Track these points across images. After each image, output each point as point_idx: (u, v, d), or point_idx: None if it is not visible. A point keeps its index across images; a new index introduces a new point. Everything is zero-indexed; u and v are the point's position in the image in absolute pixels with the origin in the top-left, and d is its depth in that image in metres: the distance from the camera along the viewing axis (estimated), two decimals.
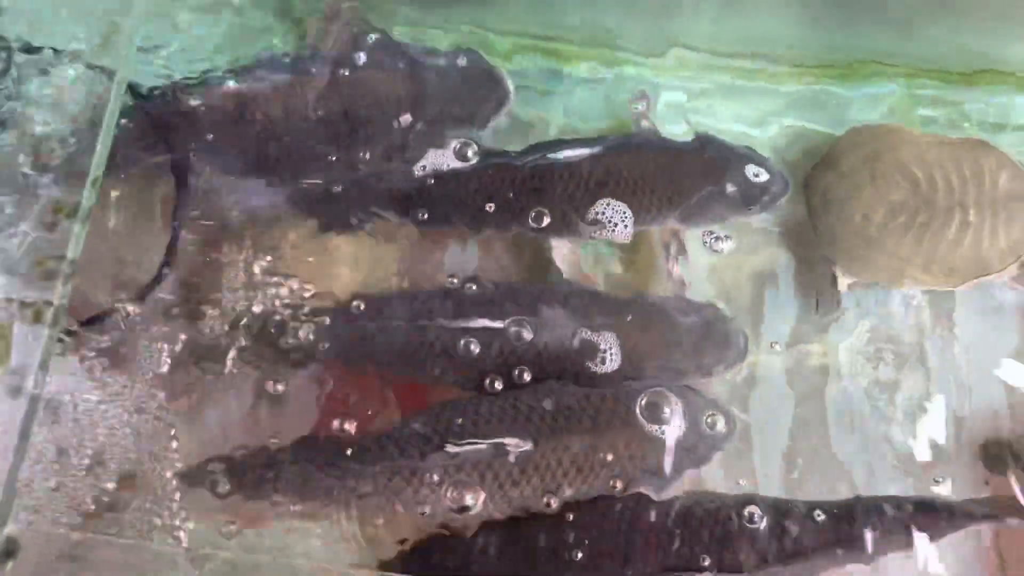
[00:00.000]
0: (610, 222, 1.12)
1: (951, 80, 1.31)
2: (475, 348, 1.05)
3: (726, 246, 1.19)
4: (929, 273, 1.14)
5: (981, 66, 1.31)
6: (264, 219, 1.16)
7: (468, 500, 0.98)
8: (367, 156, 1.17)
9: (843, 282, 1.17)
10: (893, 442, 1.13)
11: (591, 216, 1.12)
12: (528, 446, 0.98)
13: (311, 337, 1.07)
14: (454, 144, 1.16)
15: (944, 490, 1.09)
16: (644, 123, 1.25)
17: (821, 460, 1.12)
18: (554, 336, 1.05)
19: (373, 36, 1.22)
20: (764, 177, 1.16)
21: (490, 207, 1.14)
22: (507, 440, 0.98)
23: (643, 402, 1.02)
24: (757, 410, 1.15)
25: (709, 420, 1.04)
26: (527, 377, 1.05)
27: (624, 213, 1.12)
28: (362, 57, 1.20)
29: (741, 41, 1.32)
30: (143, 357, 1.07)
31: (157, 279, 1.11)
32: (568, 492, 0.99)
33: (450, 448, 0.98)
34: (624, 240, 1.14)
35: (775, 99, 1.31)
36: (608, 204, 1.12)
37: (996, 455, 1.11)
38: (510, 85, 1.22)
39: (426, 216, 1.15)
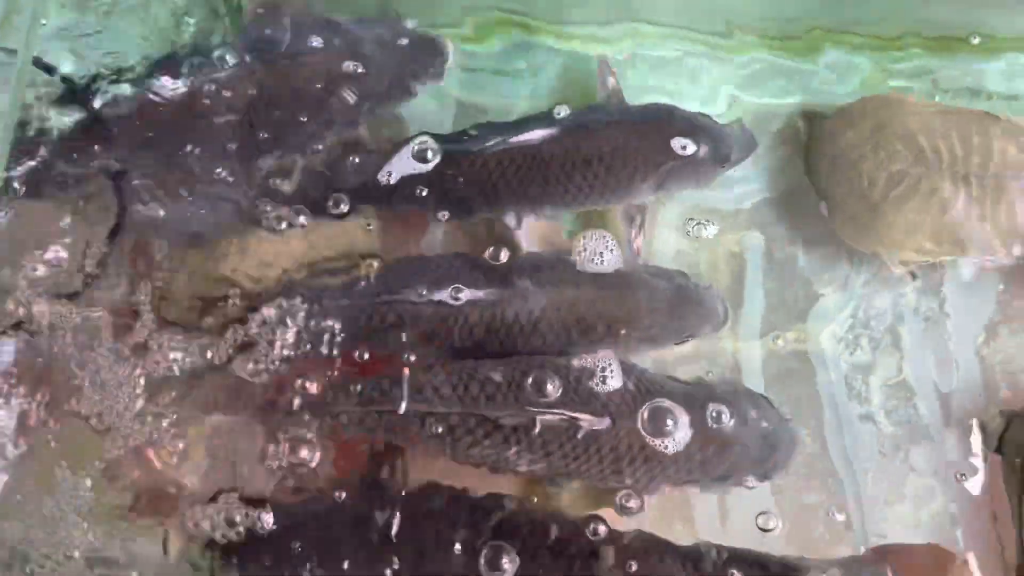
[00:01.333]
0: (596, 253, 1.08)
1: (926, 47, 1.29)
2: (449, 320, 1.01)
3: (710, 231, 1.13)
4: (933, 244, 1.11)
5: (952, 33, 1.28)
6: (209, 222, 1.07)
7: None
8: (315, 141, 1.12)
9: None
10: (879, 423, 1.11)
11: (575, 255, 1.08)
12: (605, 424, 0.95)
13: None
14: (413, 146, 1.09)
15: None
16: (611, 81, 1.19)
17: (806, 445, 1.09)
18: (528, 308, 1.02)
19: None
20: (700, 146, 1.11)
21: (450, 193, 1.09)
22: (583, 416, 0.95)
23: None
24: None
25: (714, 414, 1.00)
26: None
27: (606, 240, 1.08)
28: (307, 40, 1.12)
29: (704, 13, 1.28)
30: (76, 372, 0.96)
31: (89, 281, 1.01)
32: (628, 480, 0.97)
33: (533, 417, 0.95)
34: (616, 267, 1.08)
35: (739, 72, 1.27)
36: (586, 237, 1.08)
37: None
38: (449, 48, 1.19)
39: (387, 200, 1.10)
